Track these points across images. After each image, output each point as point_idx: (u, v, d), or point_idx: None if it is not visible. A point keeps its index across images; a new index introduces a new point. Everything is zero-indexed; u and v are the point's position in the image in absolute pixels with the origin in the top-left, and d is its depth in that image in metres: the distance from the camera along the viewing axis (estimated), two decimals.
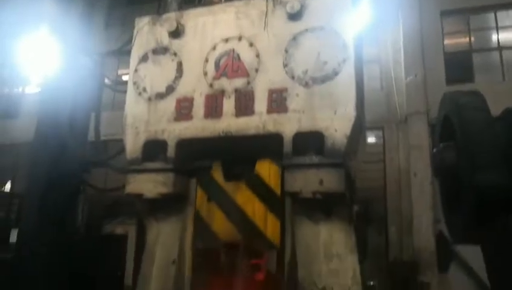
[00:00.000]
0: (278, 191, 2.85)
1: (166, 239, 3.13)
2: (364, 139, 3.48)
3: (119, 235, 5.05)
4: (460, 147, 2.61)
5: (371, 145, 9.37)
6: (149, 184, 2.99)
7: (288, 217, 2.88)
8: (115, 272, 3.72)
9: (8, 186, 14.57)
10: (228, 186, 2.99)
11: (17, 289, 3.45)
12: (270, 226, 2.84)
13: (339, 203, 2.77)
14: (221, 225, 2.94)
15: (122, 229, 9.32)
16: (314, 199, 2.65)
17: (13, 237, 10.46)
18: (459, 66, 9.37)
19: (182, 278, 3.03)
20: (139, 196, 3.03)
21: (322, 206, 2.77)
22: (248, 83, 2.90)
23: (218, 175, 3.03)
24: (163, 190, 2.96)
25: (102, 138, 3.77)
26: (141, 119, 3.12)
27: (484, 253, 2.82)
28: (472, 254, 8.14)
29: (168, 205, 3.11)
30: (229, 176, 3.00)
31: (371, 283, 7.45)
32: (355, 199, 3.03)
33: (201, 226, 2.99)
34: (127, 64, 3.34)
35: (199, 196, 3.05)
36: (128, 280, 4.20)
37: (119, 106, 3.39)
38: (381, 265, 8.62)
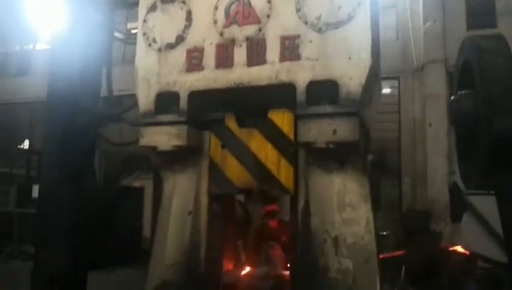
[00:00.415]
0: (291, 137, 2.84)
1: (182, 191, 3.19)
2: (380, 88, 3.39)
3: (136, 188, 5.18)
4: (479, 93, 2.53)
5: (386, 95, 9.19)
6: (163, 137, 3.01)
7: (302, 167, 2.88)
8: (134, 224, 3.84)
9: (26, 144, 14.93)
10: (241, 133, 2.99)
11: (41, 241, 3.61)
12: (283, 171, 2.85)
13: (353, 153, 2.76)
14: (235, 171, 2.96)
15: (139, 184, 9.56)
16: (328, 149, 2.64)
17: (35, 192, 10.87)
18: (480, 10, 8.91)
19: (198, 228, 3.10)
20: (154, 149, 3.07)
21: (336, 156, 2.76)
22: (259, 30, 2.82)
23: (231, 123, 3.02)
24: (177, 142, 2.98)
25: (115, 93, 3.76)
26: (152, 71, 3.09)
27: (498, 199, 2.81)
28: (485, 205, 8.19)
29: (183, 157, 3.14)
30: (242, 124, 3.00)
31: (384, 233, 7.58)
32: (370, 148, 3.01)
33: (215, 173, 3.03)
34: (136, 17, 3.26)
35: (213, 144, 3.06)
36: (146, 231, 4.34)
37: (130, 60, 3.35)
38: (395, 216, 8.74)
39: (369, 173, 2.94)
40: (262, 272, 3.32)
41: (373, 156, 2.97)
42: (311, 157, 2.83)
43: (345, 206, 2.76)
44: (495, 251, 7.21)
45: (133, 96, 3.25)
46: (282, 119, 2.89)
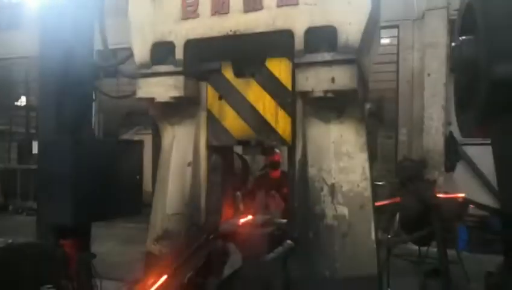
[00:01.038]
0: (289, 87, 2.82)
1: (180, 142, 3.21)
2: (379, 37, 3.33)
3: (135, 141, 5.20)
4: (481, 36, 2.48)
5: (385, 45, 9.04)
6: (160, 88, 2.98)
7: (299, 117, 2.88)
8: (134, 176, 3.89)
9: (24, 101, 14.79)
10: (238, 83, 2.97)
11: (43, 194, 3.67)
12: (281, 122, 2.87)
13: (351, 102, 2.75)
14: (233, 122, 2.98)
15: (138, 138, 9.59)
16: (326, 98, 2.63)
17: (35, 148, 10.91)
18: None
19: (198, 179, 3.15)
20: (151, 100, 3.05)
21: (334, 105, 2.76)
22: None
23: (228, 73, 2.99)
24: (174, 93, 2.96)
25: (110, 46, 3.67)
26: (146, 21, 3.01)
27: (493, 147, 2.84)
28: (478, 155, 8.33)
29: (181, 109, 3.13)
30: (239, 74, 2.97)
31: (380, 183, 7.74)
32: (368, 97, 3.00)
33: (213, 124, 3.04)
34: None
35: (210, 95, 3.05)
36: (146, 185, 4.39)
37: (123, 12, 3.24)
38: (390, 167, 8.89)
39: (366, 122, 2.95)
40: (260, 220, 3.41)
41: (371, 106, 2.96)
42: (308, 107, 2.83)
43: (341, 155, 2.79)
44: (487, 200, 7.43)
45: (129, 50, 3.18)
46: (279, 68, 2.86)
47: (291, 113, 2.86)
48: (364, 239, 2.78)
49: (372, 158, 3.04)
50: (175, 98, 2.97)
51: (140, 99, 3.11)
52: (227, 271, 2.92)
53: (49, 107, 3.69)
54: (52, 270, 3.00)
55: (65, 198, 3.45)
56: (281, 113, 2.87)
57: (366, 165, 2.86)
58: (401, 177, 4.30)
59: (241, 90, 2.96)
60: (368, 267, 2.74)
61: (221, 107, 3.02)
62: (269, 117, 2.89)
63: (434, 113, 8.15)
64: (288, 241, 3.10)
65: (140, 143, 4.01)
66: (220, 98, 3.02)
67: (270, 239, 3.02)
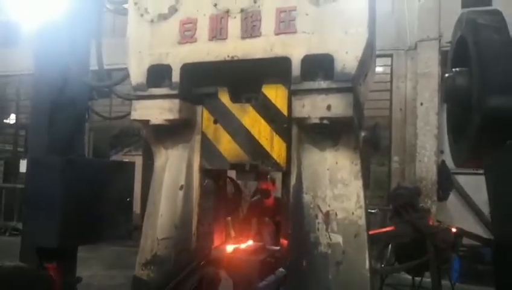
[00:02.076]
0: (285, 113, 2.83)
1: (173, 165, 3.17)
2: (374, 65, 3.37)
3: (126, 163, 5.13)
4: (474, 69, 2.52)
5: (379, 73, 9.19)
6: (155, 110, 2.96)
7: (295, 143, 2.87)
8: (124, 198, 3.82)
9: (13, 118, 14.65)
10: (234, 108, 2.96)
11: (29, 214, 3.58)
12: (276, 148, 2.85)
13: (347, 129, 2.75)
14: (227, 146, 2.96)
15: (128, 160, 9.51)
16: (321, 125, 2.63)
17: (22, 167, 10.72)
18: None
19: (190, 203, 3.10)
20: (146, 123, 3.03)
21: (329, 133, 2.76)
22: (255, 1, 2.75)
23: (224, 97, 2.99)
24: (169, 116, 2.94)
25: (105, 67, 3.67)
26: (144, 43, 3.02)
27: (486, 176, 2.84)
28: (471, 185, 8.36)
29: (175, 132, 3.11)
30: (235, 99, 2.98)
31: (372, 210, 7.70)
32: (363, 124, 3.01)
33: (207, 148, 3.02)
34: None
35: (205, 118, 3.04)
36: (136, 207, 4.31)
37: (120, 32, 3.26)
38: (382, 194, 8.88)
39: (361, 150, 2.95)
40: (253, 246, 3.34)
41: (366, 133, 2.97)
42: (304, 134, 2.82)
43: (336, 182, 2.77)
44: (479, 230, 7.41)
45: (124, 70, 3.18)
46: (276, 94, 2.87)
47: (287, 139, 2.84)
48: (359, 268, 2.73)
49: (366, 185, 3.02)
50: (170, 120, 2.96)
51: (135, 121, 3.09)
52: None
53: (40, 125, 3.65)
54: None
55: (52, 220, 3.37)
56: (276, 139, 2.86)
57: (361, 192, 2.84)
58: (395, 205, 4.28)
59: (237, 115, 2.95)
60: None
61: (216, 131, 3.00)
62: (264, 142, 2.87)
63: (426, 142, 8.22)
64: (281, 269, 3.04)
65: (132, 164, 3.96)
66: (215, 122, 3.01)
67: (262, 266, 2.96)
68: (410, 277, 4.27)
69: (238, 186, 4.16)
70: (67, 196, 3.39)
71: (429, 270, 3.59)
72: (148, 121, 3.00)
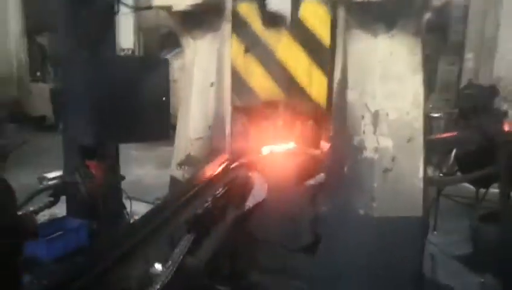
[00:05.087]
0: (326, 40, 2.43)
1: (203, 60, 2.89)
2: None
3: (159, 58, 4.89)
4: None
5: None
6: None
7: (341, 30, 2.45)
8: (160, 97, 3.62)
9: None
10: (267, 35, 2.57)
11: (67, 114, 3.50)
12: (315, 83, 2.52)
13: (405, 9, 2.26)
14: (259, 80, 2.64)
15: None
16: (373, 3, 2.15)
17: None
18: None
19: (222, 101, 2.84)
20: (169, 9, 2.69)
21: (383, 14, 2.27)
22: None
23: (255, 21, 2.58)
24: (192, 0, 2.55)
25: None
26: None
27: None
28: None
29: (203, 20, 2.79)
30: (268, 22, 2.55)
31: (436, 114, 6.97)
32: (429, 5, 2.38)
33: (237, 82, 2.71)
34: None
35: (234, 47, 2.69)
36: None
37: None
38: (450, 97, 7.98)
39: (424, 37, 2.39)
40: (291, 149, 3.06)
41: (432, 15, 2.37)
42: (351, 17, 2.39)
43: (389, 77, 2.37)
44: None
45: None
46: (315, 16, 2.43)
47: (327, 73, 2.49)
48: (410, 177, 2.40)
49: (429, 86, 2.53)
50: (194, 5, 2.60)
51: (157, 8, 2.75)
52: (250, 203, 2.66)
53: (66, 18, 3.37)
54: None
55: (86, 118, 3.27)
56: (316, 73, 2.51)
57: (420, 90, 2.40)
58: (465, 106, 3.66)
59: (270, 43, 2.57)
60: (412, 209, 2.39)
61: (247, 62, 2.66)
62: (301, 77, 2.53)
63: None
64: (321, 174, 2.77)
65: (166, 60, 3.66)
66: (246, 50, 2.63)
67: (299, 170, 2.68)
68: (472, 188, 3.80)
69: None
70: (97, 92, 3.23)
71: (497, 181, 3.10)
72: (170, 7, 2.64)
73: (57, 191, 3.30)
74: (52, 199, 3.33)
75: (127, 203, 3.95)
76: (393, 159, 2.37)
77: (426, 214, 2.53)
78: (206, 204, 2.35)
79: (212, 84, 2.83)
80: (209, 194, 2.35)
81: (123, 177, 3.83)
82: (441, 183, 3.55)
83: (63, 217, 3.36)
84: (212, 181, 2.45)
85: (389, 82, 2.37)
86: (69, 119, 3.47)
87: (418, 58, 2.38)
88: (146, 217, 1.93)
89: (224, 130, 2.86)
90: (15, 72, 9.15)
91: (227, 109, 2.83)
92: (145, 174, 5.91)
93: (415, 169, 2.39)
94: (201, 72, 2.87)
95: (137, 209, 3.82)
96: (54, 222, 3.29)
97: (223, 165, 2.57)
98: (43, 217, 3.82)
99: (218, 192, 2.47)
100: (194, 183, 2.33)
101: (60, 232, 3.08)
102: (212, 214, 2.41)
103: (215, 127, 2.87)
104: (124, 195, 3.89)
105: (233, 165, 2.66)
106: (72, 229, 3.18)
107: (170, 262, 2.07)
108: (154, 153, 6.99)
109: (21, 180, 3.37)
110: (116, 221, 3.67)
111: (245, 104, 2.77)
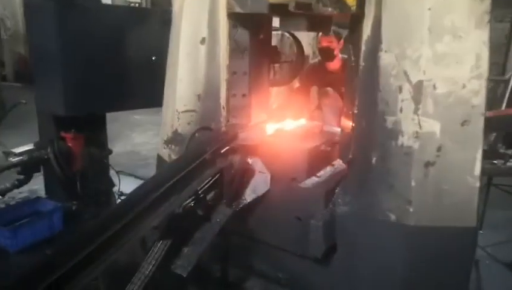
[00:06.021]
0: None
1: (191, 9, 2.23)
2: None
3: (151, 10, 4.24)
4: None
5: None
6: None
7: None
8: (149, 57, 3.03)
9: None
10: None
11: (38, 76, 2.96)
12: None
13: None
14: None
15: None
16: None
17: None
18: None
19: (217, 64, 2.23)
20: None
21: None
22: None
23: None
24: None
25: None
26: None
27: None
28: None
29: None
30: None
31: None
32: None
33: None
34: None
35: None
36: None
37: None
38: (499, 60, 6.99)
39: None
40: (304, 128, 2.42)
41: None
42: None
43: (442, 31, 1.67)
44: None
45: None
46: None
47: None
48: (462, 173, 1.78)
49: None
50: None
51: None
52: (248, 197, 2.07)
53: None
54: None
55: (59, 83, 2.71)
56: None
57: (484, 52, 1.72)
58: None
59: None
60: (462, 218, 1.78)
61: None
62: None
63: None
64: (340, 162, 2.14)
65: (156, 11, 3.02)
66: None
67: (312, 157, 2.06)
68: None
69: (300, 43, 3.05)
70: (72, 52, 2.66)
71: None
72: None
73: (25, 169, 2.83)
74: (21, 177, 2.88)
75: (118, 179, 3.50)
76: (439, 148, 1.72)
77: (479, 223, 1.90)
78: (186, 202, 1.81)
79: (202, 41, 2.19)
80: (192, 188, 1.79)
81: (110, 151, 3.33)
82: (493, 171, 2.83)
83: (36, 199, 2.90)
84: (197, 170, 1.85)
85: (441, 39, 1.69)
86: (40, 84, 2.93)
87: (485, 4, 1.67)
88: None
89: (219, 100, 2.24)
90: (22, 27, 8.73)
91: (224, 74, 2.20)
92: (144, 143, 5.37)
93: (469, 163, 1.76)
94: (190, 25, 2.23)
95: (130, 185, 3.34)
96: (23, 204, 2.83)
97: (213, 148, 1.96)
98: (20, 195, 3.41)
99: (204, 185, 1.92)
100: (171, 173, 1.74)
101: (28, 219, 2.63)
102: (194, 214, 1.88)
103: (207, 97, 2.25)
104: (113, 171, 3.43)
105: (227, 148, 2.05)
106: (43, 213, 2.70)
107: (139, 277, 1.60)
108: (158, 117, 6.42)
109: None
110: (101, 201, 3.22)
111: (247, 10, 2.07)
